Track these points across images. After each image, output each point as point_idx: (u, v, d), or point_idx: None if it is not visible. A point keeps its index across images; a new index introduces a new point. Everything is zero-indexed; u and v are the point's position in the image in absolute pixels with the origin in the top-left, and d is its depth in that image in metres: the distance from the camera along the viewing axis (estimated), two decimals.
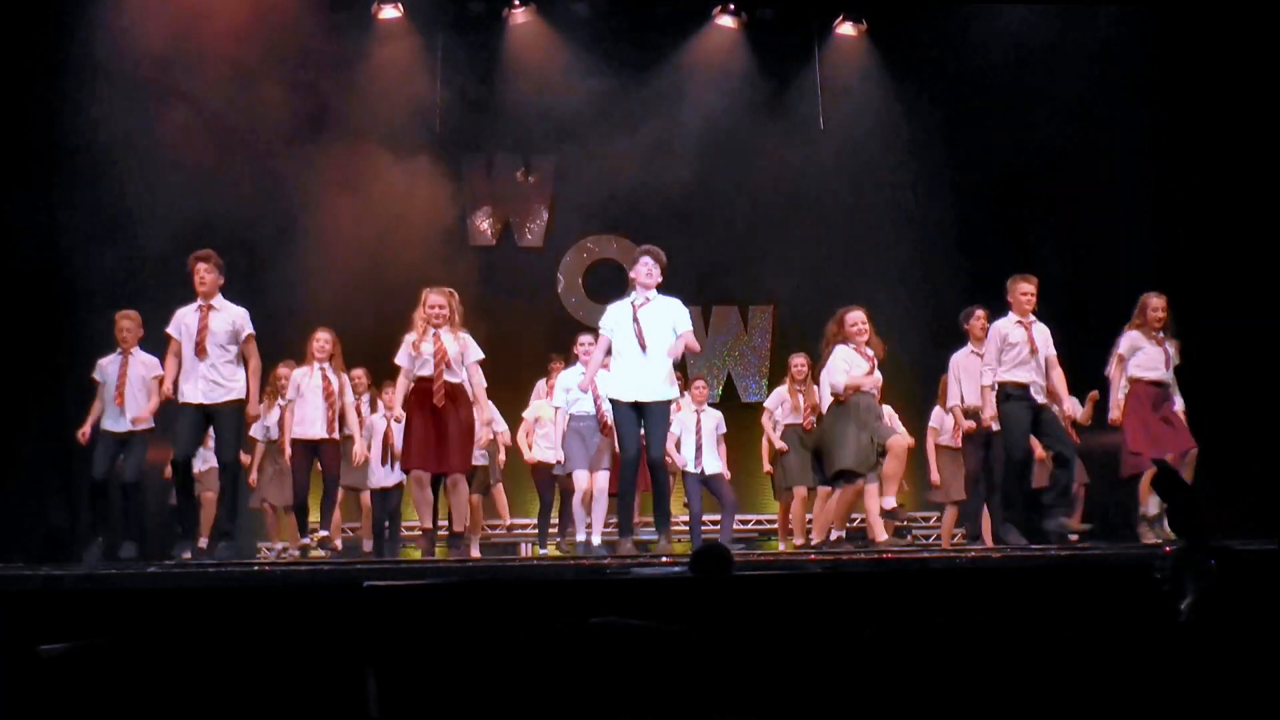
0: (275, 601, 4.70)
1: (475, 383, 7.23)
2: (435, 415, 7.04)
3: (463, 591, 4.62)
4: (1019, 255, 10.73)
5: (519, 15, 11.20)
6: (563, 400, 8.19)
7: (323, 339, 8.08)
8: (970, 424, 7.95)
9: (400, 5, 10.87)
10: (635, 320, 6.82)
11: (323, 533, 8.44)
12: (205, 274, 6.93)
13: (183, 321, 6.96)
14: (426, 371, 7.07)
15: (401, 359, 7.15)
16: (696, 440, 9.02)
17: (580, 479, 8.09)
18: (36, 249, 9.44)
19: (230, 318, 6.97)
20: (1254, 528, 6.63)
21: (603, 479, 8.05)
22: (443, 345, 7.04)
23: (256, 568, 6.42)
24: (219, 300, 7.01)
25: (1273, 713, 2.69)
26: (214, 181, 10.24)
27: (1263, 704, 2.69)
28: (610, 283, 11.73)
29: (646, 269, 6.88)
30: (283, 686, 3.18)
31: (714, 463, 9.10)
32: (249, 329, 7.01)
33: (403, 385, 7.19)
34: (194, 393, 6.90)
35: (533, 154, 11.59)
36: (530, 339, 10.47)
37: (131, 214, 9.76)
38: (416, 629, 4.16)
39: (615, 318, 6.98)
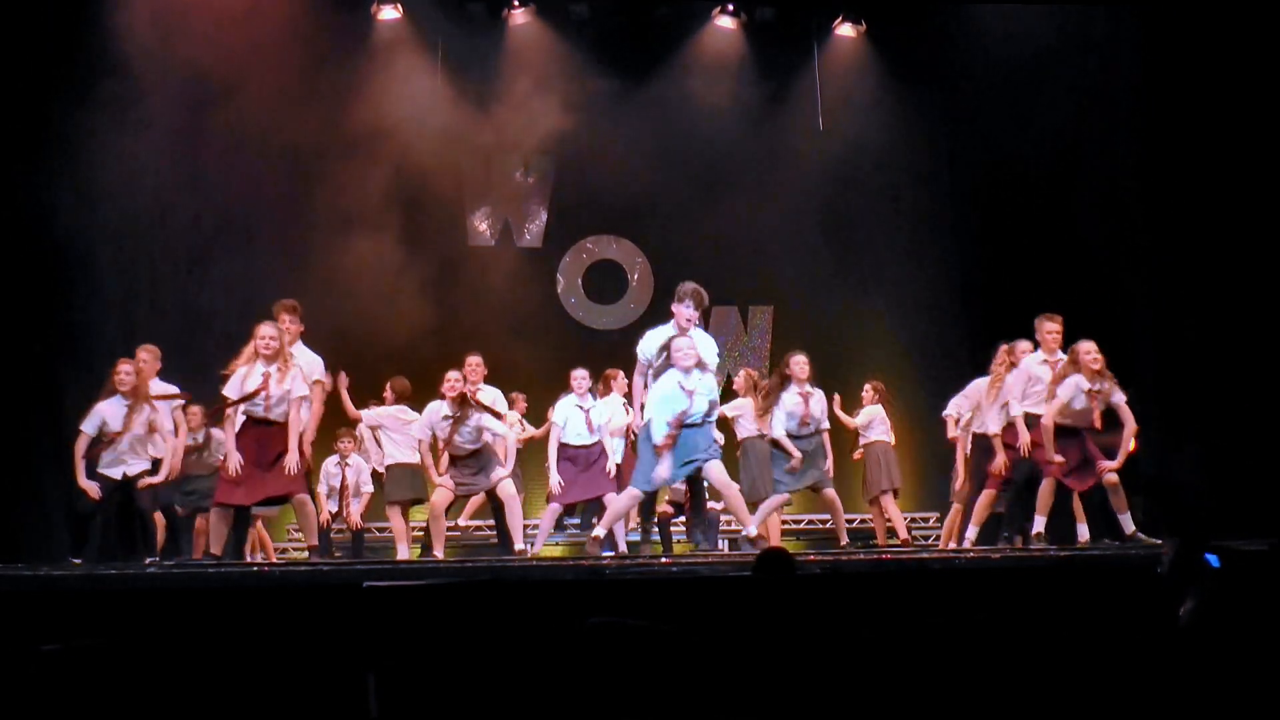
0: (275, 601, 4.70)
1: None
2: None
3: (463, 591, 4.62)
4: (1017, 254, 10.77)
5: (519, 15, 11.19)
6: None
7: None
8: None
9: (400, 5, 10.86)
10: None
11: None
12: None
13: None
14: None
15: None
16: None
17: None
18: (36, 246, 9.43)
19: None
20: (1254, 528, 6.63)
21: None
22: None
23: (256, 568, 6.43)
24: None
25: (1273, 713, 2.69)
26: (212, 179, 10.26)
27: (1263, 704, 2.69)
28: (610, 283, 11.76)
29: (687, 315, 6.64)
30: (283, 686, 3.18)
31: None
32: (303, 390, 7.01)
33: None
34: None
35: (533, 154, 11.58)
36: (529, 340, 10.47)
37: (131, 213, 9.75)
38: (416, 629, 4.16)
39: (653, 348, 6.75)
